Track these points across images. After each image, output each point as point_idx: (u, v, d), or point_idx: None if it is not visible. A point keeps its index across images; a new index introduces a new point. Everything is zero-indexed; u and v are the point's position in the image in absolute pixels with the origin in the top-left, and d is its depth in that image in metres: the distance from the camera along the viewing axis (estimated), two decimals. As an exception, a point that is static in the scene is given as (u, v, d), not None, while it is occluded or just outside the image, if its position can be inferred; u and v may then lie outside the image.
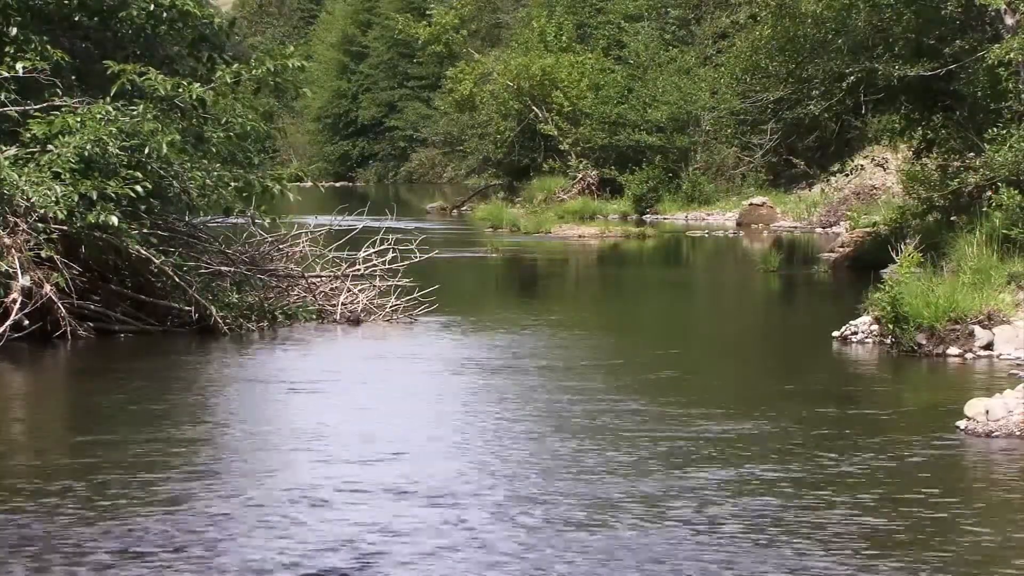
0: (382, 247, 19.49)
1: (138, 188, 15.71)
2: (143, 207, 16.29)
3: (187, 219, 18.27)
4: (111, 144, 15.62)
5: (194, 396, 13.00)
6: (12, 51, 16.60)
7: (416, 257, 19.55)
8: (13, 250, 15.03)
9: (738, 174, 47.51)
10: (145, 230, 16.17)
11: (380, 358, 15.69)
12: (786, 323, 20.64)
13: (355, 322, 17.87)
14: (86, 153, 15.52)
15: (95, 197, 15.41)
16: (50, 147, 15.72)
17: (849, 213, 32.85)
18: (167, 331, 16.59)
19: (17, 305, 14.85)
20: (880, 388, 13.84)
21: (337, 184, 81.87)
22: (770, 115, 25.46)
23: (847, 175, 28.82)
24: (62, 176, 15.41)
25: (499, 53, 58.67)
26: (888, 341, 15.42)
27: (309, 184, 20.42)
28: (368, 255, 19.41)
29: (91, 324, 15.92)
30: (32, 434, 11.30)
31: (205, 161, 17.06)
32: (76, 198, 15.28)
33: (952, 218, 20.90)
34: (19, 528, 7.95)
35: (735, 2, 49.86)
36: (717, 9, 55.42)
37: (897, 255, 16.70)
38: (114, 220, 15.35)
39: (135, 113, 16.01)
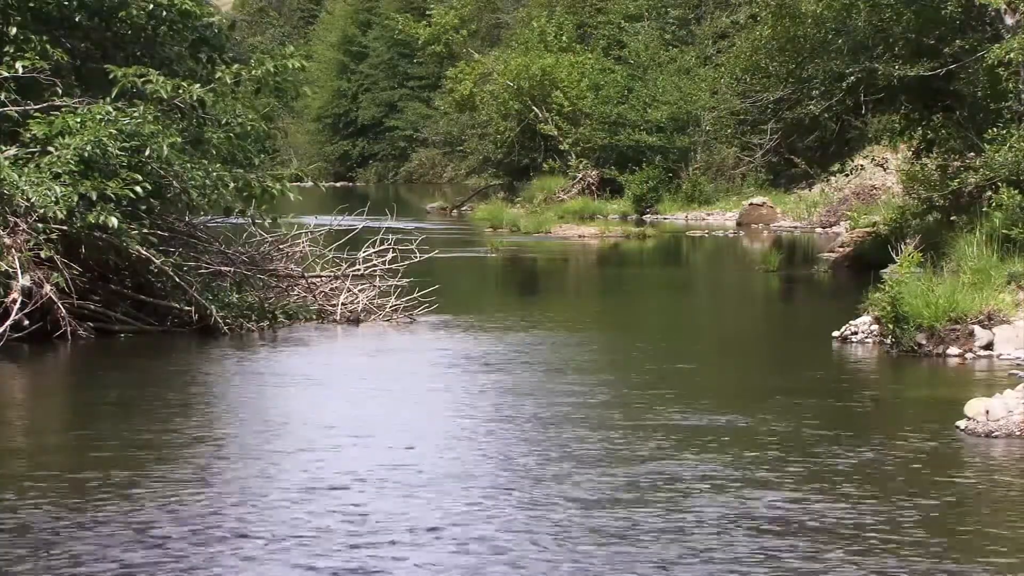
0: (382, 247, 19.51)
1: (138, 189, 15.73)
2: (143, 207, 16.32)
3: (187, 219, 18.28)
4: (111, 145, 15.63)
5: (194, 395, 13.00)
6: (12, 51, 16.62)
7: (416, 257, 19.57)
8: (13, 250, 15.04)
9: (738, 174, 47.51)
10: (145, 230, 16.18)
11: (380, 357, 15.69)
12: (786, 323, 20.64)
13: (355, 322, 17.88)
14: (86, 154, 15.53)
15: (95, 198, 15.42)
16: (50, 148, 15.73)
17: (849, 213, 32.84)
18: (167, 331, 16.60)
19: (17, 305, 14.86)
20: (880, 388, 13.84)
21: (337, 184, 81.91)
22: (770, 115, 25.46)
23: (847, 175, 28.82)
24: (62, 177, 15.42)
25: (499, 53, 58.67)
26: (888, 341, 15.42)
27: (310, 184, 20.43)
28: (368, 255, 19.43)
29: (91, 324, 15.93)
30: (32, 434, 11.29)
31: (205, 161, 17.08)
32: (76, 198, 15.29)
33: (952, 218, 20.89)
34: (21, 525, 7.95)
35: (735, 2, 49.96)
36: (717, 9, 55.46)
37: (897, 255, 16.69)
38: (113, 221, 15.37)
39: (136, 114, 16.03)
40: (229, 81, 17.67)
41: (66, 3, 17.34)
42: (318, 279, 18.83)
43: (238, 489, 8.96)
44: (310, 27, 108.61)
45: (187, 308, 16.47)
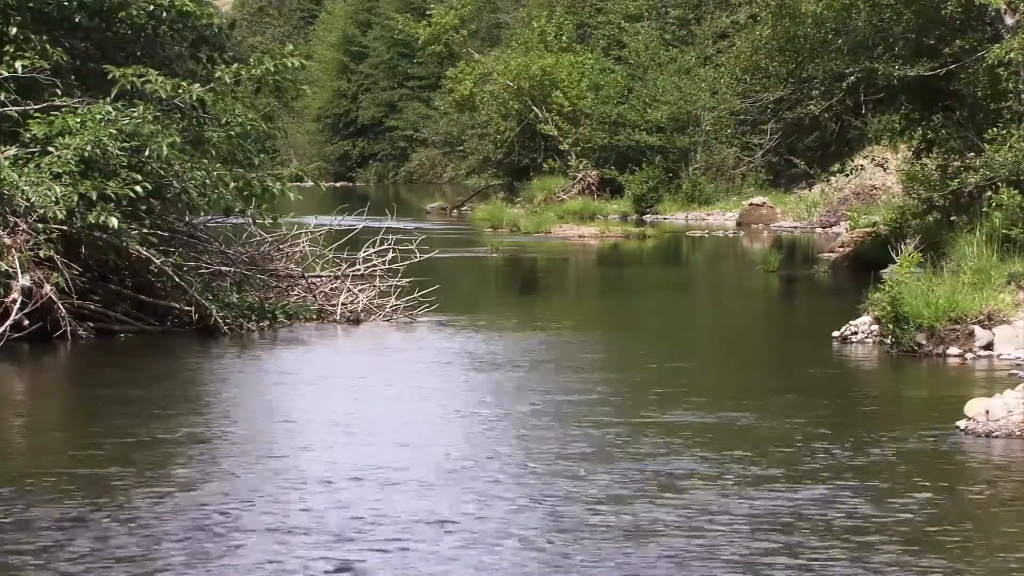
0: (382, 247, 19.51)
1: (138, 189, 15.73)
2: (143, 207, 16.32)
3: (187, 219, 18.28)
4: (111, 145, 15.64)
5: (195, 394, 13.01)
6: (12, 51, 16.62)
7: (416, 257, 19.57)
8: (13, 250, 15.04)
9: (738, 174, 47.50)
10: (145, 230, 16.19)
11: (380, 357, 15.70)
12: (786, 323, 20.65)
13: (355, 322, 17.88)
14: (86, 154, 15.54)
15: (95, 198, 15.43)
16: (50, 148, 15.74)
17: (849, 213, 32.83)
18: (167, 331, 16.60)
19: (17, 305, 14.86)
20: (880, 388, 13.84)
21: (337, 184, 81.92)
22: (770, 115, 25.45)
23: (847, 175, 28.79)
24: (62, 177, 15.43)
25: (499, 53, 58.65)
26: (888, 341, 15.42)
27: (310, 184, 20.44)
28: (368, 255, 19.43)
29: (91, 324, 15.93)
30: (32, 433, 11.30)
31: (205, 161, 17.08)
32: (76, 198, 15.29)
33: (952, 218, 20.88)
34: (22, 524, 7.96)
35: (735, 2, 49.92)
36: (717, 9, 55.43)
37: (897, 255, 16.69)
38: (113, 222, 15.38)
39: (135, 114, 16.03)
40: (229, 81, 17.67)
41: (66, 3, 17.34)
42: (318, 279, 18.83)
43: (239, 486, 8.96)
44: (310, 27, 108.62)
45: (187, 308, 16.47)
